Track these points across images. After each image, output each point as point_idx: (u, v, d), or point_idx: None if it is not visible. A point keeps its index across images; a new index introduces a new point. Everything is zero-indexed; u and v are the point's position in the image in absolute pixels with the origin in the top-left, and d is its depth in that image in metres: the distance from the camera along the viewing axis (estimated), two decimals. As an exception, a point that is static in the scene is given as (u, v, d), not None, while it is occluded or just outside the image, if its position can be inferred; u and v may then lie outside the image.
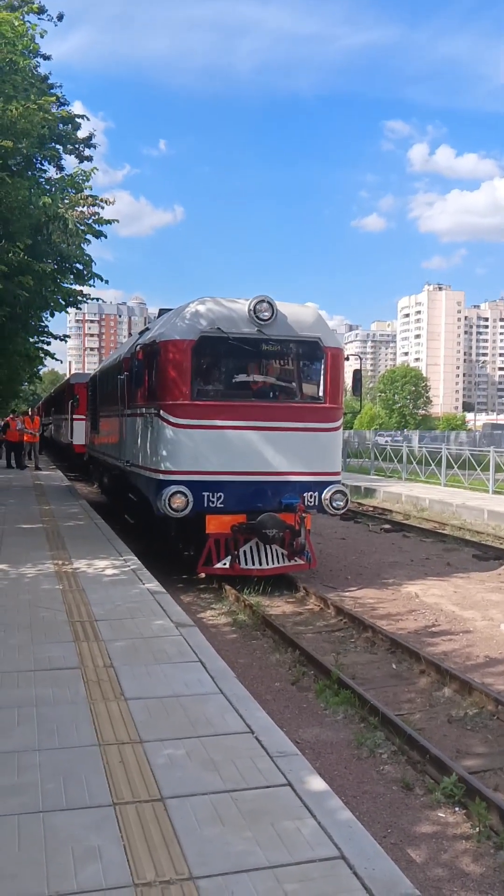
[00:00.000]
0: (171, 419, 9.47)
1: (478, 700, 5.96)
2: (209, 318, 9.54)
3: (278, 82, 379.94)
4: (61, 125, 13.49)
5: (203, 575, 9.88)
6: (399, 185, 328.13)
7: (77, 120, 14.40)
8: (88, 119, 14.85)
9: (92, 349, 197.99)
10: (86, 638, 5.93)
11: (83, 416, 23.30)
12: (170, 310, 10.96)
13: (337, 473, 10.25)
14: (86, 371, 57.75)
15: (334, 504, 9.96)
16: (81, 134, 14.81)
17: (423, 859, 3.88)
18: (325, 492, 9.91)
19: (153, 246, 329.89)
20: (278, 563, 9.69)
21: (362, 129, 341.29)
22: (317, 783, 3.62)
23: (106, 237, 13.82)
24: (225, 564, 9.45)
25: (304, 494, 9.79)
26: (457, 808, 4.34)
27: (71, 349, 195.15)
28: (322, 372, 10.17)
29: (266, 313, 9.58)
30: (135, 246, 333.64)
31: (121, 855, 2.96)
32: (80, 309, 20.64)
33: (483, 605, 9.33)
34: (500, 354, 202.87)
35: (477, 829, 4.11)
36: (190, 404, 9.46)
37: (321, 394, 10.20)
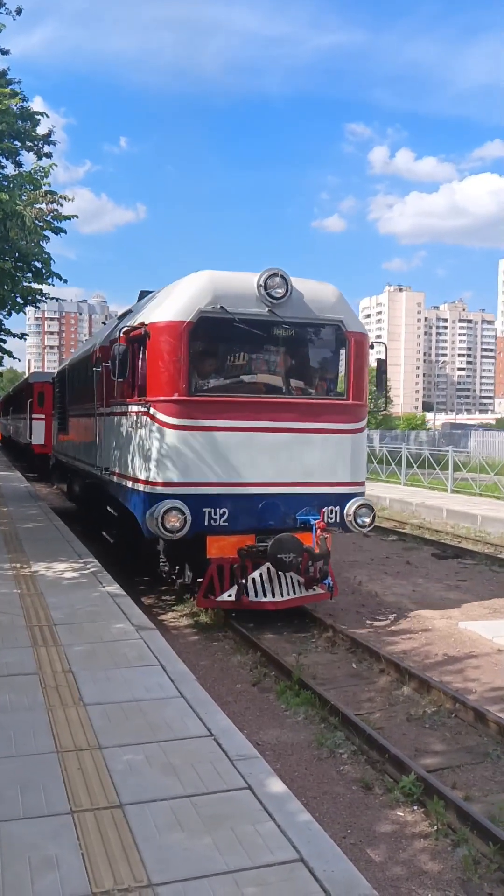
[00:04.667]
0: (164, 419, 7.80)
1: (436, 698, 6.04)
2: (210, 294, 7.83)
3: (245, 83, 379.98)
4: (20, 122, 13.29)
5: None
6: (359, 187, 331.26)
7: (37, 117, 14.21)
8: (48, 116, 14.66)
9: (52, 347, 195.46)
10: (44, 643, 5.85)
11: (42, 416, 23.00)
12: (151, 292, 9.48)
13: (361, 483, 8.62)
14: (45, 370, 56.95)
15: (359, 520, 8.35)
16: (41, 130, 14.61)
17: (381, 859, 3.92)
18: (347, 506, 8.32)
19: (115, 244, 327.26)
20: (295, 593, 8.07)
21: (325, 131, 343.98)
22: (276, 786, 3.64)
23: (66, 233, 13.64)
24: (230, 596, 7.81)
25: (324, 509, 8.19)
26: (415, 807, 4.39)
27: (30, 347, 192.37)
28: (345, 362, 8.55)
29: (279, 290, 7.94)
30: (96, 244, 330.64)
31: (79, 863, 2.94)
32: (39, 308, 20.34)
33: (442, 603, 9.46)
34: (459, 355, 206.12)
35: (435, 827, 4.16)
36: (186, 400, 7.79)
37: (344, 388, 8.64)
